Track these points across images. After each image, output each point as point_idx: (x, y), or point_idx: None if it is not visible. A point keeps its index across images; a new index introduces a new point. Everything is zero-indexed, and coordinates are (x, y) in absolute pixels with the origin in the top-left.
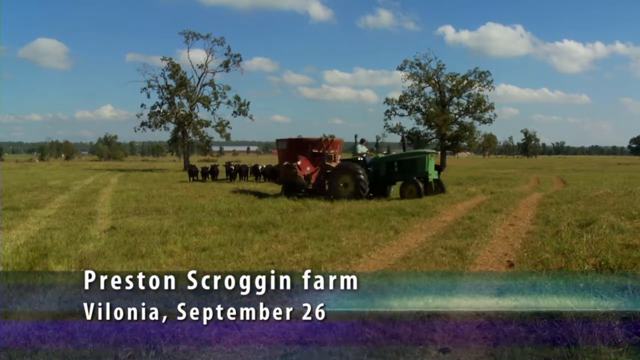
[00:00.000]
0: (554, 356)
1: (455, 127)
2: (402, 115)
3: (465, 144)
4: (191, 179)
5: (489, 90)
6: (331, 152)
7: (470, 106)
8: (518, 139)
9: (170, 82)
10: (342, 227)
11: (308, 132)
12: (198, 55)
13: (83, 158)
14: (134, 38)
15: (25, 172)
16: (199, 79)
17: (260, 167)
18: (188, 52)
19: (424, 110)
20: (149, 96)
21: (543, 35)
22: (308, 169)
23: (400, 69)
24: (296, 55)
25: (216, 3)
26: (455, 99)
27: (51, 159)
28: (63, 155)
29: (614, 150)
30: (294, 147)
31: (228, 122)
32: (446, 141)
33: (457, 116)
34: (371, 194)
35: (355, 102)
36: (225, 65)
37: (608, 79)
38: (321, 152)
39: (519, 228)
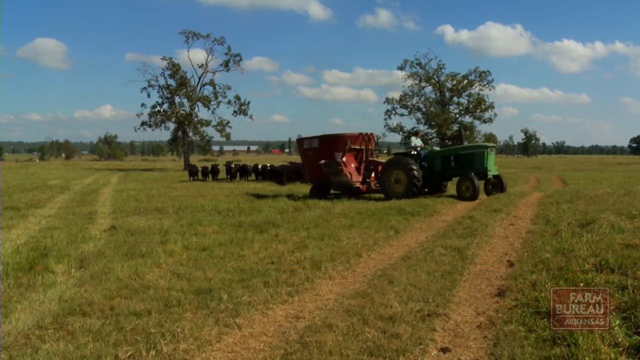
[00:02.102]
0: (554, 356)
1: (455, 127)
2: (402, 115)
3: (465, 143)
4: (191, 178)
5: (489, 90)
6: (370, 147)
7: (471, 106)
8: (518, 138)
9: (171, 81)
10: (342, 226)
11: (308, 132)
12: (198, 55)
13: (83, 158)
14: (133, 38)
15: (25, 172)
16: (199, 78)
17: (260, 167)
18: (188, 51)
19: (424, 109)
20: (149, 96)
21: (543, 34)
22: (353, 165)
23: (401, 68)
24: (296, 55)
25: (215, 3)
26: (455, 99)
27: (51, 159)
28: (63, 155)
29: (614, 150)
30: (328, 145)
31: (228, 122)
32: (446, 141)
33: (457, 116)
34: (426, 190)
35: (354, 101)
36: (226, 64)
37: (608, 79)
38: (361, 148)
39: (519, 227)
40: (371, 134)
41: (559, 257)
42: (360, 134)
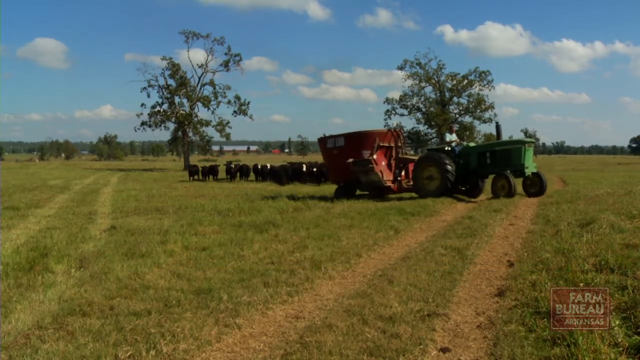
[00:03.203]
0: (554, 356)
1: (455, 127)
2: (402, 115)
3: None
4: (191, 178)
5: (489, 90)
6: (399, 144)
7: (471, 106)
8: (517, 138)
9: (171, 81)
10: (342, 226)
11: (308, 132)
12: (198, 55)
13: (83, 157)
14: (132, 38)
15: (25, 172)
16: (199, 78)
17: (259, 167)
18: (188, 51)
19: (424, 109)
20: (149, 96)
21: (542, 34)
22: (383, 163)
23: (401, 68)
24: (295, 55)
25: (215, 3)
26: (455, 99)
27: (51, 159)
28: (63, 155)
29: (614, 150)
30: (356, 143)
31: (228, 122)
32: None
33: (457, 116)
34: (463, 188)
35: (354, 101)
36: (225, 64)
37: (607, 79)
38: (390, 145)
39: (519, 228)
40: (400, 129)
41: (559, 257)
42: (389, 130)
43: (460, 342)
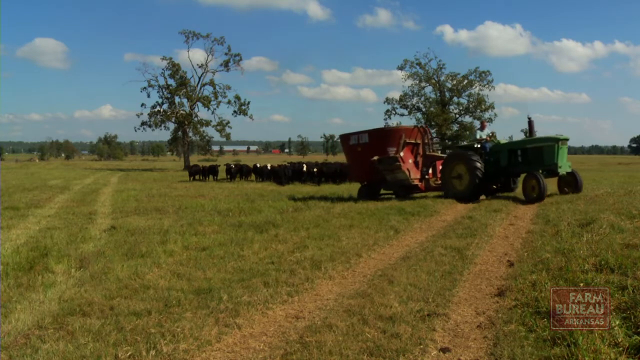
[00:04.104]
0: (554, 356)
1: (455, 127)
2: (402, 115)
3: (430, 148)
4: (191, 178)
5: (489, 90)
6: (426, 140)
7: (471, 106)
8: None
9: (171, 81)
10: (342, 226)
11: (308, 132)
12: (198, 54)
13: (83, 157)
14: (132, 38)
15: (25, 172)
16: (199, 78)
17: (259, 167)
18: (188, 51)
19: (424, 109)
20: (149, 96)
21: (542, 34)
22: (410, 161)
23: (401, 68)
24: (295, 55)
25: (214, 3)
26: (455, 99)
27: (51, 159)
28: (63, 155)
29: (614, 150)
30: (381, 139)
31: (228, 122)
32: (446, 141)
33: (457, 116)
34: (494, 187)
35: (354, 101)
36: (226, 64)
37: (607, 78)
38: (417, 141)
39: (519, 227)
40: (426, 126)
41: (559, 257)
42: (416, 126)
43: (460, 342)
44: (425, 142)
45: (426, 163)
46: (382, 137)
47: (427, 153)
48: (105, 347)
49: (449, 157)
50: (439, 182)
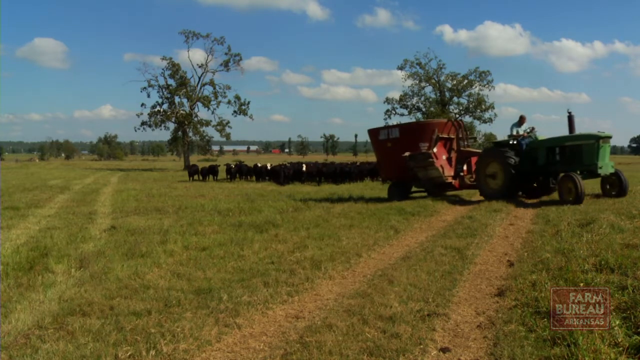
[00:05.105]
0: (554, 356)
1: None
2: (402, 115)
3: (465, 143)
4: (191, 178)
5: (489, 90)
6: (461, 135)
7: (471, 106)
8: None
9: (171, 81)
10: (342, 226)
11: (308, 132)
12: (198, 54)
13: (83, 157)
14: (132, 38)
15: (25, 172)
16: (199, 78)
17: (259, 167)
18: (188, 51)
19: (424, 109)
20: (149, 95)
21: (542, 34)
22: (444, 157)
23: (401, 68)
24: (295, 55)
25: (214, 3)
26: (455, 99)
27: (51, 159)
28: (63, 155)
29: (614, 150)
30: (412, 134)
31: (228, 122)
32: None
33: (457, 116)
34: (536, 185)
35: (354, 101)
36: (225, 64)
37: (607, 78)
38: (450, 136)
39: (519, 227)
40: (461, 120)
41: (559, 257)
42: (449, 120)
43: (460, 342)
44: (459, 137)
45: (460, 159)
46: (414, 132)
47: (462, 148)
48: (105, 347)
49: (483, 154)
50: (474, 179)
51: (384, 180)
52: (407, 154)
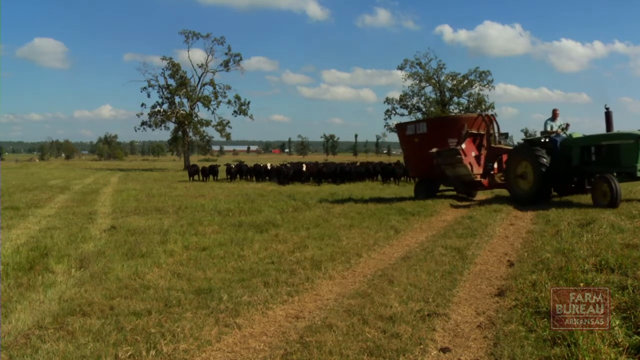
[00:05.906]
0: (554, 356)
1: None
2: (402, 115)
3: (497, 140)
4: (191, 178)
5: (489, 90)
6: (492, 131)
7: (471, 106)
8: (518, 138)
9: (171, 81)
10: (342, 226)
11: (308, 132)
12: (198, 54)
13: (83, 157)
14: (132, 38)
15: (26, 172)
16: (199, 78)
17: (260, 167)
18: (188, 51)
19: (424, 109)
20: (149, 95)
21: (542, 34)
22: (473, 154)
23: (401, 68)
24: (295, 55)
25: (214, 3)
26: (455, 99)
27: (51, 159)
28: (63, 155)
29: None
30: (440, 129)
31: (228, 122)
32: None
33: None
34: (573, 186)
35: (354, 101)
36: (226, 64)
37: (607, 78)
38: (480, 132)
39: (519, 227)
40: (492, 115)
41: (559, 257)
42: (480, 115)
43: (460, 342)
44: (490, 133)
45: (491, 157)
46: (442, 127)
47: (492, 145)
48: (105, 347)
49: (513, 152)
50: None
51: (412, 178)
52: (434, 150)
